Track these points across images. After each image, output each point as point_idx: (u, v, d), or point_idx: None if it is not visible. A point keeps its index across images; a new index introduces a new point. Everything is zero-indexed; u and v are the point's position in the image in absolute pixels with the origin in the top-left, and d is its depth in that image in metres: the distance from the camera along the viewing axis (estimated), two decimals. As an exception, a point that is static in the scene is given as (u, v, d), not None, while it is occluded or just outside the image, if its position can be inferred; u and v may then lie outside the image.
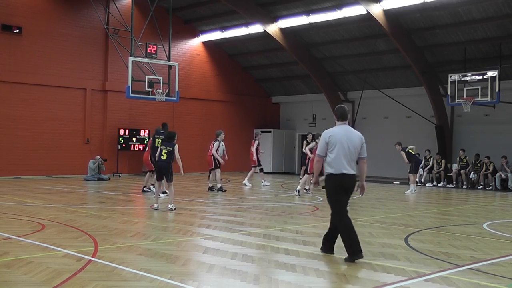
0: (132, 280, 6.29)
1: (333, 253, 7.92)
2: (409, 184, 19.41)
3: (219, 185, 17.93)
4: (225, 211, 13.06)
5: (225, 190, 17.82)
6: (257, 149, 20.65)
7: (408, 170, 19.51)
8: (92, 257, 7.40)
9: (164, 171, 12.97)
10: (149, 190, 16.82)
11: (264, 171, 29.84)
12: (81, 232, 9.45)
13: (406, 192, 19.11)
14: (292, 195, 17.20)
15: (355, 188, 7.88)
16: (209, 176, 18.48)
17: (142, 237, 9.10)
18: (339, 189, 7.76)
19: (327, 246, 8.03)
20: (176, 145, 12.97)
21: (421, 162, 21.94)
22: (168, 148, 12.88)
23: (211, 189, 18.05)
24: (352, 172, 7.75)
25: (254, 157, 20.61)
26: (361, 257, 7.47)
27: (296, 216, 12.39)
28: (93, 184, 20.74)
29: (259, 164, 20.77)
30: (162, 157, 12.85)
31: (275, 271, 6.91)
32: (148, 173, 17.06)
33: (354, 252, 7.49)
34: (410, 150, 19.57)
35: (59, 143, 23.85)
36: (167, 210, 12.64)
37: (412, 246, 8.68)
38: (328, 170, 7.87)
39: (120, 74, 23.95)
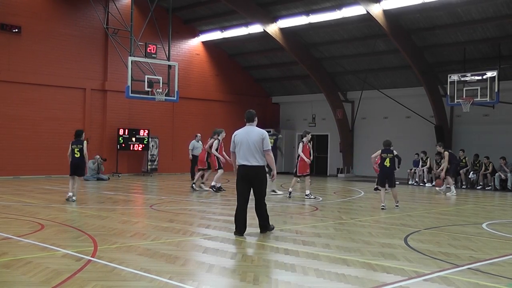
0: (132, 280, 6.28)
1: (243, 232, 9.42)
2: (448, 187, 19.10)
3: (217, 184, 17.62)
4: (225, 211, 13.05)
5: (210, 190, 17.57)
6: None
7: (447, 172, 18.98)
8: (91, 257, 7.39)
9: (77, 168, 14.21)
10: (199, 189, 17.87)
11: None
12: (81, 232, 9.44)
13: (447, 193, 18.70)
14: (292, 195, 17.18)
15: (271, 177, 9.90)
16: (199, 176, 18.37)
17: (141, 237, 9.09)
18: (241, 177, 9.42)
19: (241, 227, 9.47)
20: (85, 142, 14.41)
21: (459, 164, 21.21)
22: (78, 146, 14.19)
23: (213, 188, 17.67)
24: (252, 164, 9.33)
25: None
26: (240, 234, 9.30)
27: (296, 216, 12.39)
28: (93, 184, 20.74)
29: None
30: (75, 155, 14.15)
31: (275, 271, 6.90)
32: (200, 171, 18.29)
33: (237, 230, 9.39)
34: (452, 152, 19.43)
35: (59, 143, 23.81)
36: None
37: (412, 246, 8.68)
38: (237, 162, 9.58)
39: (119, 74, 23.97)
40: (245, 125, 9.84)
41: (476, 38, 22.44)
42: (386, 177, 14.16)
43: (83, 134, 14.73)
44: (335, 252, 8.11)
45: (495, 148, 22.71)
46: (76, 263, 7.01)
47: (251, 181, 9.43)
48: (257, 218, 9.66)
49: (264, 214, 9.61)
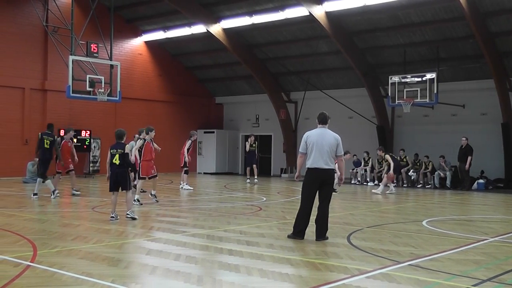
0: (73, 284, 6.13)
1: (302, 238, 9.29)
2: (383, 185, 19.38)
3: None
4: (168, 212, 12.93)
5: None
6: (188, 150, 19.42)
7: (388, 171, 19.43)
8: (30, 262, 7.17)
9: None
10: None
11: (208, 171, 29.88)
12: (19, 236, 9.14)
13: (387, 192, 19.08)
14: (235, 195, 17.18)
15: (336, 181, 9.49)
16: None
17: (83, 240, 8.89)
18: (311, 180, 9.21)
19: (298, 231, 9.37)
20: None
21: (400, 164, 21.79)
22: None
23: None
24: (325, 167, 9.15)
25: (186, 158, 19.33)
26: (298, 238, 9.21)
27: (240, 217, 12.38)
28: (33, 186, 20.02)
29: (185, 166, 19.41)
30: None
31: (219, 272, 6.88)
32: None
33: (295, 232, 9.32)
34: (392, 154, 20.36)
35: (-4, 144, 23.03)
36: None
37: (354, 244, 8.82)
38: (306, 165, 9.29)
39: (60, 73, 23.28)
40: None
41: (416, 40, 23.03)
42: (115, 178, 11.33)
43: None
44: (279, 252, 8.15)
45: (434, 148, 23.35)
46: (14, 269, 6.79)
47: (321, 184, 9.22)
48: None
49: (326, 221, 9.31)
